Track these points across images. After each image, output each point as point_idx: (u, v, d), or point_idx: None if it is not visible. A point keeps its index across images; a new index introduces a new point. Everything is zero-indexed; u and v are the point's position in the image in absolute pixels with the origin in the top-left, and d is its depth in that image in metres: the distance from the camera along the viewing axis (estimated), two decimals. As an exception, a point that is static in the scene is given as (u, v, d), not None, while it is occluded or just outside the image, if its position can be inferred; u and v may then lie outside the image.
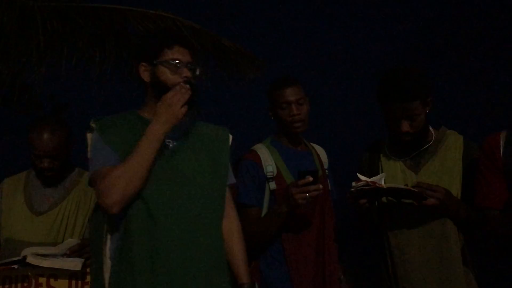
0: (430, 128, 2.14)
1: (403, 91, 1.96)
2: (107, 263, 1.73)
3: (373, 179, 1.96)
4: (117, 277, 1.71)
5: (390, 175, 2.11)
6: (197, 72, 1.87)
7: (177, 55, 1.82)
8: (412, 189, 1.91)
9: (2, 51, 4.32)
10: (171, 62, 1.80)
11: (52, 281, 1.99)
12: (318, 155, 2.40)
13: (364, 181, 1.94)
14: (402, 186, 1.95)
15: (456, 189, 2.04)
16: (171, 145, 1.82)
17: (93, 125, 1.81)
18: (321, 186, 2.04)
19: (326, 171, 2.40)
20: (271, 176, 2.23)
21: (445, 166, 2.07)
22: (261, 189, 2.23)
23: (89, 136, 1.82)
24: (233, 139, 1.98)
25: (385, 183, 1.98)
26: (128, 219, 1.71)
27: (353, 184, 1.97)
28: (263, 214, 2.22)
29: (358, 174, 2.01)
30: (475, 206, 1.95)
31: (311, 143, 2.46)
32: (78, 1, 4.95)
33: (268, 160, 2.25)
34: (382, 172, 2.12)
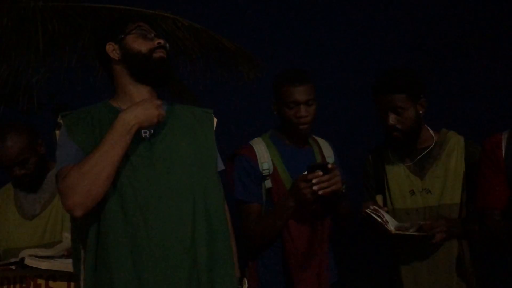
0: (431, 131, 2.15)
1: (386, 83, 2.03)
2: (82, 269, 1.62)
3: (390, 220, 1.99)
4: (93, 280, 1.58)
5: (395, 180, 2.12)
6: (167, 46, 1.73)
7: (143, 26, 1.72)
8: (420, 234, 1.93)
9: (3, 51, 4.33)
10: (140, 28, 1.69)
11: (51, 282, 1.98)
12: (321, 151, 2.27)
13: (380, 215, 1.96)
14: (410, 233, 1.95)
15: (460, 192, 2.06)
16: (147, 135, 1.65)
17: (60, 121, 1.65)
18: (331, 181, 1.94)
19: (328, 162, 2.22)
20: (267, 174, 2.12)
21: (449, 169, 2.07)
22: (259, 185, 2.13)
23: (57, 133, 1.66)
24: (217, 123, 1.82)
25: (394, 205, 2.05)
26: (103, 221, 1.56)
27: (371, 207, 1.99)
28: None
29: (377, 196, 2.07)
30: (475, 206, 1.94)
31: (315, 137, 2.33)
32: (78, 1, 4.96)
33: (264, 156, 2.14)
34: (387, 178, 2.14)
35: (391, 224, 1.96)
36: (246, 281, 1.83)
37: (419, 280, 2.05)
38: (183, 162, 1.65)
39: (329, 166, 1.97)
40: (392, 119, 2.03)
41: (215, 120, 1.83)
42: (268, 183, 2.13)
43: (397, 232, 1.94)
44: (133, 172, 1.59)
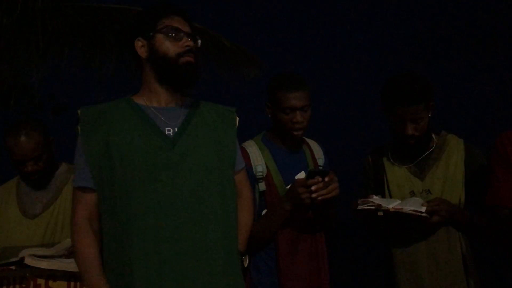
0: (431, 133, 2.15)
1: (409, 95, 1.97)
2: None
3: (383, 201, 1.95)
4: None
5: (395, 182, 2.12)
6: (199, 44, 1.73)
7: (175, 23, 1.67)
8: (419, 214, 1.90)
9: (3, 51, 4.33)
10: (170, 28, 1.65)
11: (50, 282, 1.98)
12: (312, 153, 2.28)
13: (371, 202, 1.94)
14: (409, 211, 1.91)
15: (459, 194, 2.05)
16: (171, 133, 1.65)
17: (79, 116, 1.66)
18: (329, 188, 1.94)
19: (320, 168, 2.27)
20: (261, 177, 2.12)
21: (448, 171, 2.08)
22: (253, 188, 2.11)
23: (78, 128, 1.66)
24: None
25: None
26: (128, 213, 1.57)
27: (359, 202, 1.98)
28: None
29: (374, 196, 2.01)
30: (485, 204, 1.93)
31: (306, 138, 2.33)
32: (78, 1, 4.95)
33: (258, 159, 2.13)
34: (387, 179, 2.14)
35: (386, 204, 1.94)
36: (247, 259, 1.87)
37: (418, 281, 2.05)
38: (203, 162, 1.65)
39: (329, 175, 1.95)
40: (411, 129, 2.01)
41: (237, 119, 1.83)
42: (262, 186, 2.13)
43: (395, 209, 1.91)
44: (156, 171, 1.59)
